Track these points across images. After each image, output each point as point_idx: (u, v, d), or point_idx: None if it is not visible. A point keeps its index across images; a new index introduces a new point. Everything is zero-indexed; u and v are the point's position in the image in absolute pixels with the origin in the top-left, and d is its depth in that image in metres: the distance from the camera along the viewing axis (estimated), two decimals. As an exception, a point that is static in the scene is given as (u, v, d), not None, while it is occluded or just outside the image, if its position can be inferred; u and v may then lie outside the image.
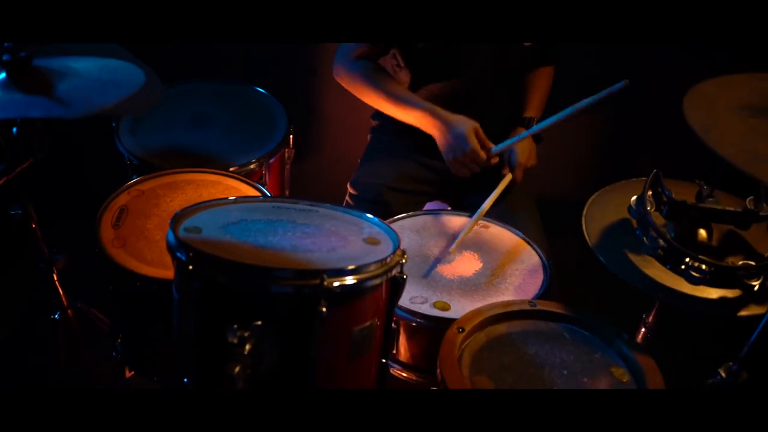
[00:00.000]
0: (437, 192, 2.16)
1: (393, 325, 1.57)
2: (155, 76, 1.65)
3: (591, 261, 1.49)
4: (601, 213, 1.57)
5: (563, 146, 2.54)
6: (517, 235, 1.87)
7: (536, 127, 1.92)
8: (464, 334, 1.40)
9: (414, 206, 2.04)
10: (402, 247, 1.30)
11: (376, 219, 1.42)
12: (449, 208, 2.15)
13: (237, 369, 1.08)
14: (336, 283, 1.13)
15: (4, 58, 1.10)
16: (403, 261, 1.29)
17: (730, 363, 1.26)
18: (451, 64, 1.97)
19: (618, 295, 1.79)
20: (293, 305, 1.14)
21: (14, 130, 1.19)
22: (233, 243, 1.23)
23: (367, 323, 1.24)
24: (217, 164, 1.96)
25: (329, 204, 1.49)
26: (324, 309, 1.13)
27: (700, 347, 2.25)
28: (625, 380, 1.35)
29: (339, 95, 2.16)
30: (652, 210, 1.46)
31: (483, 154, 1.88)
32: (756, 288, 1.37)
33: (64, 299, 1.91)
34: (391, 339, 1.45)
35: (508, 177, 2.00)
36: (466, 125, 1.88)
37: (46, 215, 1.75)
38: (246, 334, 1.10)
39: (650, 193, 1.47)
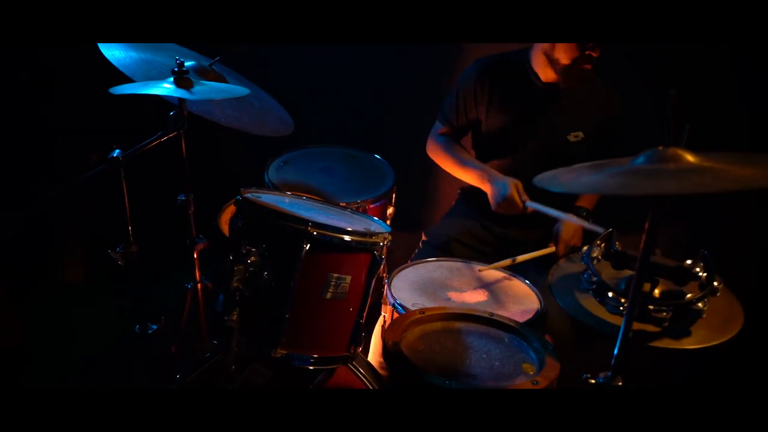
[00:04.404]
0: (494, 253, 2.57)
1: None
2: (284, 112, 2.40)
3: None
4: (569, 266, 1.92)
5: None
6: (531, 288, 2.22)
7: (546, 210, 2.30)
8: (423, 316, 1.81)
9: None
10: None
11: (383, 223, 1.93)
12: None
13: (240, 267, 1.64)
14: (315, 232, 1.66)
15: (174, 69, 1.90)
16: (382, 243, 1.77)
17: (607, 372, 1.51)
18: (504, 147, 2.48)
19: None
20: (286, 239, 1.69)
21: (171, 113, 1.96)
22: (273, 205, 1.83)
23: (341, 275, 1.73)
24: (330, 200, 2.57)
25: (365, 214, 2.04)
26: (306, 247, 1.66)
27: None
28: (530, 372, 1.65)
29: (442, 175, 2.77)
30: (599, 256, 1.77)
31: (519, 202, 2.33)
32: (666, 324, 1.61)
33: (198, 275, 2.62)
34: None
35: (551, 248, 2.37)
36: (508, 179, 2.37)
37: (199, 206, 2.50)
38: (252, 249, 1.66)
39: (602, 245, 1.79)
